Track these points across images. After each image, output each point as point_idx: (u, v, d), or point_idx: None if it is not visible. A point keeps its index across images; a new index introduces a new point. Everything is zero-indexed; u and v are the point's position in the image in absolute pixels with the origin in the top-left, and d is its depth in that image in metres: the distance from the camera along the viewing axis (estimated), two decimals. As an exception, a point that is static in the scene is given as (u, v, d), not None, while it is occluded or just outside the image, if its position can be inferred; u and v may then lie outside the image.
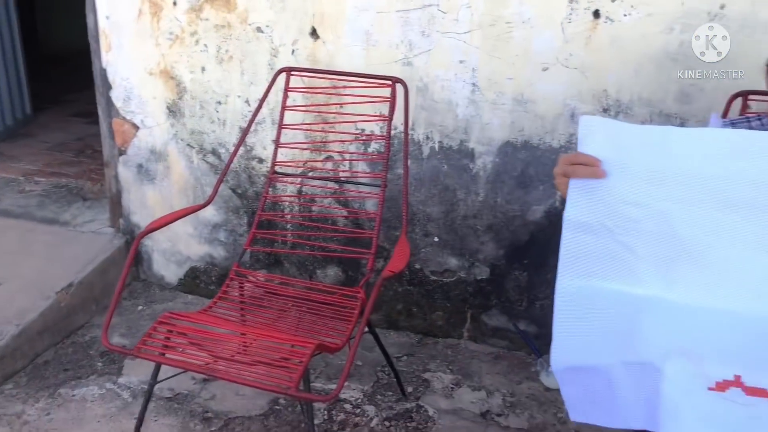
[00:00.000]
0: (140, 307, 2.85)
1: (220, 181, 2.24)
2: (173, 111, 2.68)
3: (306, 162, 2.53)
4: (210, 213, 2.75)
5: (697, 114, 2.09)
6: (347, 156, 2.51)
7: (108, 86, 2.73)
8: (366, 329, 2.17)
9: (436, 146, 2.42)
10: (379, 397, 2.32)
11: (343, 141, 2.48)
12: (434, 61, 2.31)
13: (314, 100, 2.43)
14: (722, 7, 1.97)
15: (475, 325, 2.62)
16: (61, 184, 3.46)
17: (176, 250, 2.90)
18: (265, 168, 2.60)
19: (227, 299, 2.17)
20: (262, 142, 2.58)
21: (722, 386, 1.17)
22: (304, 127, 2.44)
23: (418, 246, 2.56)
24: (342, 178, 2.53)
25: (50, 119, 4.57)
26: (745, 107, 1.90)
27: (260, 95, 2.32)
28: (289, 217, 2.69)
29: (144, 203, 2.87)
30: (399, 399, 2.30)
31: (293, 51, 2.43)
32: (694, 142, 1.21)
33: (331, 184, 2.56)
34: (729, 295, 1.17)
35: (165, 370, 1.92)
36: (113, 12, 2.60)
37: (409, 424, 2.19)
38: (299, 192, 2.63)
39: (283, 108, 2.29)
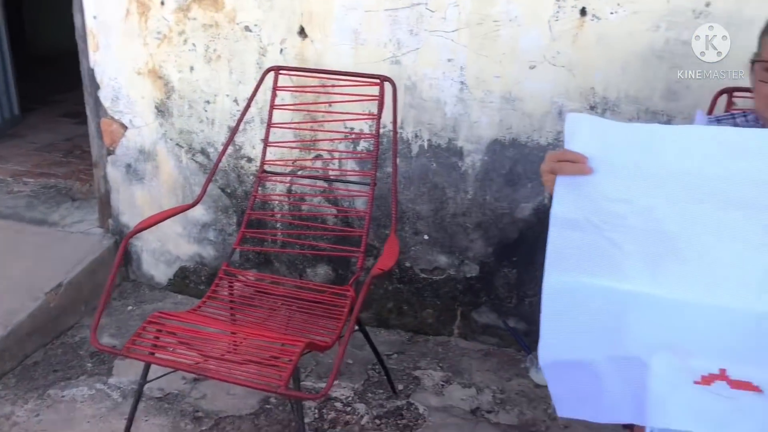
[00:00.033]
0: (130, 308, 2.84)
1: (208, 181, 2.23)
2: (162, 110, 2.67)
3: (295, 161, 2.53)
4: (199, 212, 2.75)
5: (684, 111, 2.10)
6: (336, 154, 2.51)
7: (96, 86, 2.73)
8: (356, 327, 2.18)
9: (425, 144, 2.43)
10: (369, 395, 2.32)
11: (332, 139, 2.48)
12: (422, 60, 2.32)
13: (303, 98, 2.43)
14: (707, 5, 1.99)
15: (465, 323, 2.62)
16: (49, 185, 3.45)
17: (165, 250, 2.89)
18: (254, 167, 2.60)
19: (217, 299, 2.17)
20: (251, 141, 2.58)
21: (708, 380, 1.19)
22: (293, 125, 2.44)
23: (407, 244, 2.57)
24: (331, 177, 2.54)
25: (38, 120, 4.55)
26: (730, 104, 1.92)
27: (249, 94, 2.32)
28: (278, 216, 2.69)
29: (133, 203, 2.87)
30: (389, 397, 2.31)
31: (281, 50, 2.43)
32: (679, 140, 1.22)
33: (320, 183, 2.56)
34: (713, 290, 1.19)
35: (155, 370, 1.91)
36: (100, 12, 2.59)
37: (399, 422, 2.19)
38: (289, 191, 2.63)
39: (272, 107, 2.30)
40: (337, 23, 2.34)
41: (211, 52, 2.53)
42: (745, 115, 1.52)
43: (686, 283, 1.20)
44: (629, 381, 1.24)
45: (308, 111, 2.44)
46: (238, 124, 2.29)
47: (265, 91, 2.33)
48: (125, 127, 2.76)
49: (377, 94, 2.22)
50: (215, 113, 2.60)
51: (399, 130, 2.41)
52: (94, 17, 2.61)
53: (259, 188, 2.39)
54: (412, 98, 2.37)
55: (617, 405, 1.27)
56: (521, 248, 2.44)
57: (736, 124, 1.51)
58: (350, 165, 2.51)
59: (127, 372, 2.39)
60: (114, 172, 2.86)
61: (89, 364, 2.44)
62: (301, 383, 2.34)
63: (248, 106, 2.28)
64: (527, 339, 2.46)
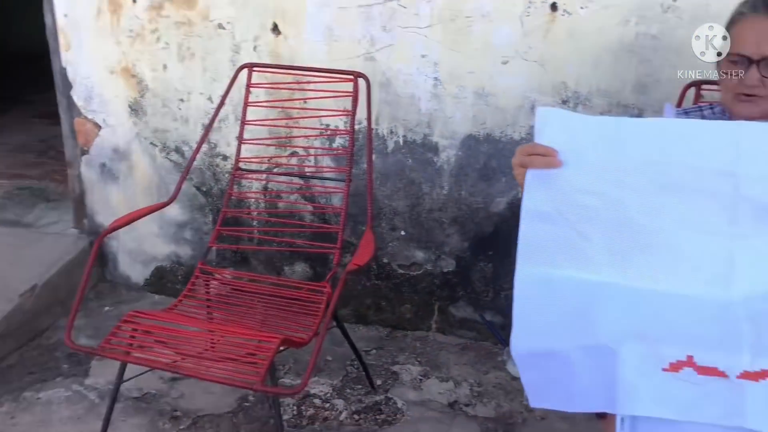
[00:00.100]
0: (107, 308, 2.82)
1: (183, 179, 2.22)
2: (135, 109, 2.66)
3: (271, 158, 2.53)
4: (175, 212, 2.74)
5: (654, 104, 2.13)
6: (312, 151, 2.52)
7: (68, 85, 2.70)
8: (334, 324, 2.18)
9: (401, 140, 2.44)
10: (348, 390, 2.33)
11: (307, 136, 2.48)
12: (396, 56, 2.32)
13: (277, 95, 2.43)
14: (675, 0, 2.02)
15: (443, 317, 2.64)
16: (23, 186, 3.42)
17: (142, 250, 2.88)
18: (229, 165, 2.59)
19: (193, 297, 2.16)
20: (225, 139, 2.58)
21: (676, 366, 1.21)
22: (267, 123, 2.44)
23: (385, 240, 2.58)
24: (307, 174, 2.54)
25: (12, 121, 4.50)
26: (698, 97, 1.95)
27: (223, 92, 2.31)
28: (255, 213, 2.68)
29: (108, 203, 2.85)
30: (368, 392, 2.32)
31: (255, 47, 2.43)
32: (645, 132, 1.24)
33: (296, 180, 2.56)
34: (681, 280, 1.20)
35: (132, 370, 1.91)
36: (71, 10, 2.57)
37: (378, 417, 2.20)
38: (265, 188, 2.62)
39: (246, 104, 2.29)
40: (311, 20, 2.34)
41: (185, 50, 2.52)
42: (712, 108, 1.55)
43: (654, 273, 1.22)
44: (600, 370, 1.25)
45: (283, 108, 2.44)
46: (211, 122, 2.29)
47: (239, 88, 2.33)
48: (99, 127, 2.74)
49: (351, 90, 2.22)
50: (189, 111, 2.59)
51: (374, 127, 2.42)
52: (65, 15, 2.58)
53: (235, 186, 2.39)
54: (386, 94, 2.38)
55: (588, 394, 1.29)
56: (497, 242, 2.46)
57: (703, 117, 1.54)
58: (326, 162, 2.52)
59: (104, 373, 2.37)
60: (88, 172, 2.83)
61: (65, 366, 2.43)
62: (280, 381, 2.35)
63: (222, 103, 2.27)
64: (504, 332, 2.48)
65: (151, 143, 2.69)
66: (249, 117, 2.31)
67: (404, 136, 2.42)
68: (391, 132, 2.43)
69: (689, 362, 1.20)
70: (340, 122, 2.42)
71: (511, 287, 1.30)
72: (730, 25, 1.44)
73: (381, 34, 2.30)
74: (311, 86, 2.33)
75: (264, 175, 2.56)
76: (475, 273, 2.54)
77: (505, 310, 2.51)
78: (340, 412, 2.22)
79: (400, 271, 2.62)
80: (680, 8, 2.02)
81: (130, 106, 2.66)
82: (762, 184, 1.19)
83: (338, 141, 2.48)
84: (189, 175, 2.64)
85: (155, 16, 2.50)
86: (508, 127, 2.31)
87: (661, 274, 1.22)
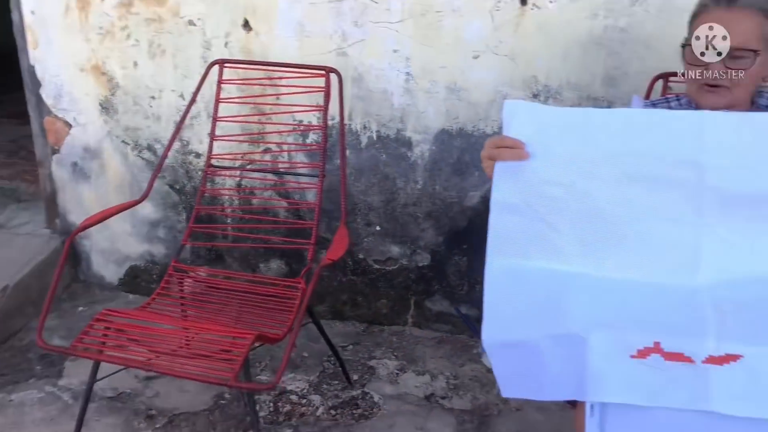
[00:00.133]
0: (80, 309, 2.79)
1: (154, 176, 2.21)
2: (106, 107, 2.63)
3: (244, 154, 2.52)
4: (148, 210, 2.72)
5: (623, 97, 2.16)
6: (285, 147, 2.51)
7: (37, 84, 2.67)
8: (309, 320, 2.18)
9: (374, 136, 2.44)
10: (325, 386, 2.33)
11: (280, 132, 2.47)
12: (368, 51, 2.33)
13: (250, 92, 2.42)
14: (642, -8, 2.05)
15: (419, 312, 2.65)
16: (-6, 187, 3.37)
17: (115, 249, 2.85)
18: (202, 162, 2.57)
19: (167, 295, 2.15)
20: (198, 136, 2.56)
21: (643, 353, 1.23)
22: (240, 119, 2.43)
23: (360, 236, 2.58)
24: (281, 170, 2.53)
25: (-19, 121, 4.43)
26: (665, 89, 1.98)
27: (194, 89, 2.30)
28: (229, 210, 2.67)
29: (80, 202, 2.82)
30: (345, 387, 2.32)
31: (226, 43, 2.42)
32: (611, 123, 1.26)
33: (270, 176, 2.56)
34: (648, 269, 1.23)
35: (105, 369, 1.90)
36: (39, 7, 2.54)
37: (354, 411, 2.21)
38: (238, 185, 2.61)
39: (217, 100, 2.28)
40: (282, 15, 2.33)
41: (155, 47, 2.50)
42: (678, 99, 1.57)
43: (622, 263, 1.24)
44: (570, 358, 1.27)
45: (255, 104, 2.44)
46: (183, 119, 2.27)
47: (210, 85, 2.32)
48: (69, 125, 2.71)
49: (323, 85, 2.22)
50: (161, 109, 2.57)
51: (348, 122, 2.42)
52: (32, 13, 2.55)
53: (208, 183, 2.38)
54: (359, 89, 2.38)
55: (559, 382, 1.31)
56: (471, 236, 2.47)
57: (670, 108, 1.56)
58: (300, 158, 2.51)
59: (78, 373, 2.35)
60: (60, 172, 2.80)
61: (38, 367, 2.40)
62: (257, 378, 2.34)
63: (193, 100, 2.26)
64: (479, 325, 2.48)
65: (123, 141, 2.67)
66: (221, 113, 2.30)
67: (378, 131, 2.43)
68: (365, 127, 2.43)
69: (656, 348, 1.22)
70: (313, 118, 2.42)
71: (485, 280, 1.31)
72: (694, 17, 1.47)
73: (352, 30, 2.30)
74: (283, 82, 2.32)
75: (237, 172, 2.55)
76: (450, 267, 2.55)
77: (479, 303, 2.49)
78: (317, 408, 2.22)
79: (376, 266, 2.62)
80: (648, 1, 2.05)
81: (100, 104, 2.63)
82: (727, 173, 1.21)
83: (312, 137, 2.47)
84: (162, 173, 2.63)
85: (125, 13, 2.47)
86: (481, 121, 2.32)
87: (628, 263, 1.24)
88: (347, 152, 2.45)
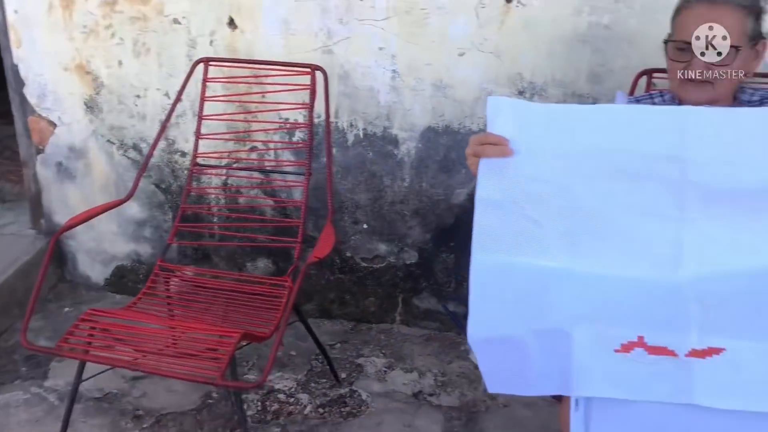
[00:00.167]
0: (66, 309, 2.78)
1: (140, 175, 2.20)
2: (91, 106, 2.62)
3: (230, 153, 2.51)
4: (134, 210, 2.71)
5: (608, 93, 2.17)
6: (272, 145, 2.50)
7: (21, 83, 2.65)
8: (296, 318, 2.18)
9: (361, 133, 2.44)
10: (313, 384, 2.33)
11: (266, 130, 2.47)
12: (354, 49, 2.32)
13: (235, 90, 2.41)
14: (626, -11, 2.06)
15: (407, 309, 2.65)
16: (-22, 188, 3.34)
17: (101, 249, 2.84)
18: (188, 161, 2.55)
19: (153, 295, 2.14)
20: (184, 135, 2.55)
21: (627, 347, 1.24)
22: (225, 117, 2.42)
23: (347, 234, 2.58)
24: (267, 168, 2.52)
25: (-36, 121, 4.38)
26: (649, 84, 1.99)
27: (179, 87, 2.29)
28: (215, 209, 2.66)
29: (65, 202, 2.80)
30: (333, 385, 2.32)
31: (211, 41, 2.41)
32: (593, 119, 1.27)
33: (256, 175, 2.55)
34: (630, 264, 1.23)
35: (91, 369, 1.89)
36: (22, 6, 2.52)
37: (343, 409, 2.21)
38: (225, 184, 2.60)
39: (203, 99, 2.27)
40: (267, 13, 2.33)
41: (140, 46, 2.48)
42: (662, 95, 1.59)
43: (606, 258, 1.24)
44: (554, 353, 1.28)
45: (241, 102, 2.43)
46: (168, 118, 2.26)
47: (196, 83, 2.31)
48: (54, 125, 2.69)
49: (309, 83, 2.22)
50: (146, 108, 2.56)
51: (334, 120, 2.42)
52: (15, 12, 2.53)
53: (194, 182, 2.37)
54: (345, 87, 2.38)
55: (544, 377, 1.31)
56: (458, 233, 2.48)
57: (654, 104, 1.57)
58: (286, 156, 2.51)
59: (63, 374, 2.33)
60: (44, 171, 2.78)
61: (24, 368, 2.38)
62: (244, 377, 2.34)
63: (178, 99, 2.25)
64: (466, 322, 2.50)
65: (108, 141, 2.65)
66: (207, 112, 2.29)
67: (364, 128, 2.43)
68: (351, 125, 2.43)
69: (640, 343, 1.23)
70: (299, 116, 2.42)
71: (473, 277, 1.31)
72: (677, 14, 1.48)
73: (338, 27, 2.30)
74: (269, 80, 2.32)
75: (223, 171, 2.54)
76: (438, 264, 2.55)
77: (467, 300, 2.51)
78: (305, 406, 2.22)
79: (364, 264, 2.62)
80: (631, -2, 2.06)
81: (85, 104, 2.62)
82: (708, 168, 1.22)
83: (298, 135, 2.47)
84: (148, 173, 2.61)
85: (109, 11, 2.46)
86: (467, 118, 2.32)
87: (611, 258, 1.24)
88: (334, 150, 2.45)
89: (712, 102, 1.41)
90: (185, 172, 2.59)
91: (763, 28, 1.46)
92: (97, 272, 2.88)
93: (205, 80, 2.27)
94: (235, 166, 2.52)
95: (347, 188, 2.51)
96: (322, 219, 2.54)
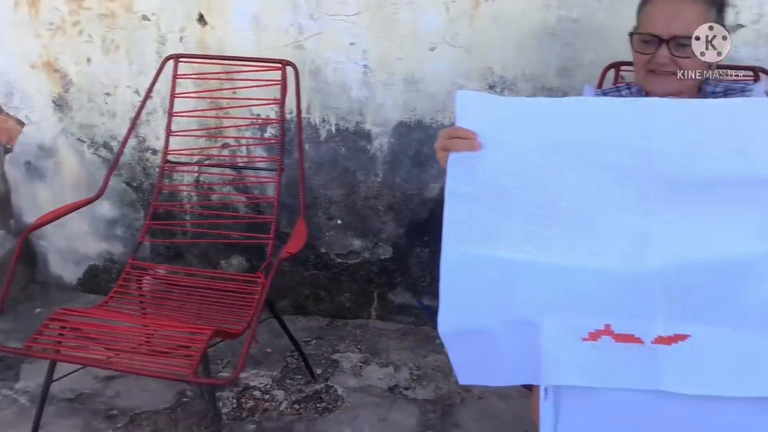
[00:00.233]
0: (38, 310, 2.74)
1: (109, 174, 2.18)
2: (60, 104, 2.59)
3: (202, 150, 2.49)
4: (105, 209, 2.68)
5: (577, 87, 2.18)
6: (243, 142, 2.49)
7: (-13, 81, 2.61)
8: (270, 315, 2.18)
9: (333, 129, 2.44)
10: (288, 381, 2.32)
11: (238, 126, 2.46)
12: (325, 44, 2.32)
13: (206, 86, 2.40)
14: (594, -17, 2.08)
15: (383, 304, 2.66)
16: (-55, 188, 3.28)
17: (73, 248, 2.81)
18: (159, 159, 2.53)
19: (125, 293, 2.12)
20: (155, 132, 2.53)
21: (594, 335, 1.25)
22: (196, 114, 2.41)
23: (322, 230, 2.58)
24: (239, 165, 2.51)
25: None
26: (617, 77, 2.01)
27: (149, 84, 2.27)
28: (187, 207, 2.64)
29: (35, 202, 2.76)
30: (308, 381, 2.32)
31: (181, 38, 2.39)
32: (563, 111, 1.27)
33: (228, 171, 2.54)
34: (598, 254, 1.24)
35: (63, 370, 1.86)
36: (-14, 3, 2.48)
37: (318, 405, 2.21)
38: (197, 181, 2.59)
39: (173, 96, 2.26)
40: (237, 9, 2.32)
41: (109, 43, 2.46)
42: (629, 87, 1.60)
43: (573, 249, 1.25)
44: (524, 343, 1.29)
45: (212, 98, 2.41)
46: (137, 116, 2.24)
47: (166, 80, 2.29)
48: (22, 123, 2.65)
49: (280, 79, 2.21)
50: (116, 105, 2.53)
51: (306, 115, 2.41)
52: (-20, 9, 2.49)
53: (166, 179, 2.35)
54: (317, 83, 2.37)
55: (514, 368, 1.32)
56: (432, 227, 2.48)
57: (621, 96, 1.59)
58: (258, 152, 2.50)
59: (35, 376, 2.30)
60: (13, 171, 2.74)
61: (-6, 371, 2.36)
62: (219, 374, 2.33)
63: (147, 96, 2.23)
64: (441, 316, 2.51)
65: (79, 139, 2.62)
66: (177, 109, 2.28)
67: (336, 124, 2.43)
68: (323, 120, 2.43)
69: (607, 331, 1.24)
70: (270, 111, 2.41)
71: (446, 272, 1.32)
72: (642, 6, 1.50)
73: (308, 23, 2.30)
74: (240, 76, 2.30)
75: (195, 168, 2.53)
76: (412, 259, 2.56)
77: (441, 294, 2.54)
78: (280, 403, 2.21)
79: (338, 260, 2.62)
80: (599, -8, 2.08)
81: (54, 102, 2.59)
82: (674, 159, 1.23)
83: (270, 131, 2.46)
84: (118, 171, 2.59)
85: (76, 8, 2.43)
86: (438, 113, 2.33)
87: (579, 250, 1.25)
88: (307, 146, 2.44)
89: (677, 94, 1.43)
90: (156, 169, 2.57)
91: (726, 20, 1.48)
92: (69, 272, 2.85)
93: (175, 77, 2.25)
94: (206, 163, 2.51)
95: (320, 184, 2.51)
96: (296, 215, 2.53)
